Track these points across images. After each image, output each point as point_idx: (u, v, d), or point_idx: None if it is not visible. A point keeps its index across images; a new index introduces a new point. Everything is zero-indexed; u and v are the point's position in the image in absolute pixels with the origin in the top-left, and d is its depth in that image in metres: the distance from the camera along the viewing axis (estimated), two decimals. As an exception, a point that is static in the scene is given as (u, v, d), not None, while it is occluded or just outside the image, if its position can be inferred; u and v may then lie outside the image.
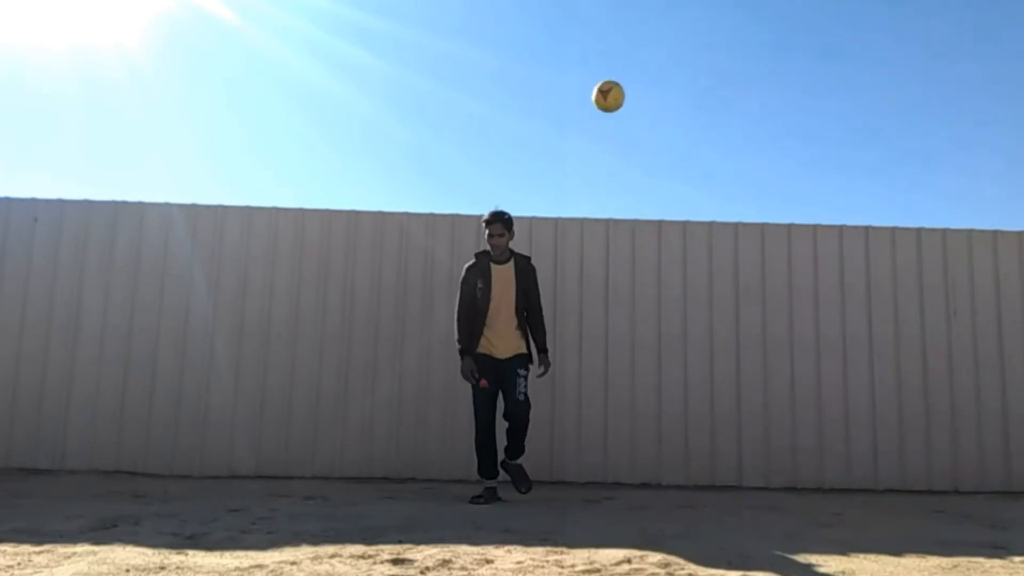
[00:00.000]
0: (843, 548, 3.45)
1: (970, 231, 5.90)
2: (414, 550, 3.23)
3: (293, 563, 2.96)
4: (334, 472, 5.59)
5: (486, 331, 4.71)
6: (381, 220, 5.90)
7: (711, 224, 5.93)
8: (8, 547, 3.16)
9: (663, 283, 5.83)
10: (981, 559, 3.31)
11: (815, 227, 5.92)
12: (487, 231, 4.79)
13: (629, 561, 3.09)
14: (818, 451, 5.65)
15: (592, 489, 5.31)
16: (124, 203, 5.87)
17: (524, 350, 4.77)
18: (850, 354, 5.75)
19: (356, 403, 5.67)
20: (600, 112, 4.86)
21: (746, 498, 5.09)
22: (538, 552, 3.24)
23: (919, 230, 5.91)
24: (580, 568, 2.98)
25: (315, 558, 3.06)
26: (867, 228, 5.91)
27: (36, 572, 2.81)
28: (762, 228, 5.91)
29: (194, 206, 5.87)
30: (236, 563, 2.94)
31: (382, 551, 3.18)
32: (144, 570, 2.83)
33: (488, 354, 4.71)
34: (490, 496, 4.67)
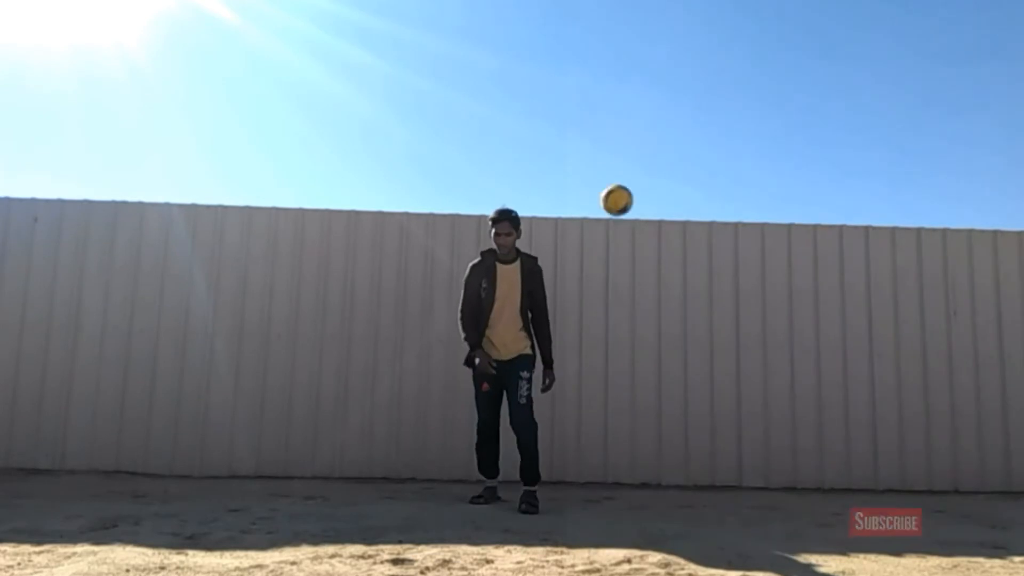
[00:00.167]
0: (843, 548, 3.45)
1: (970, 231, 5.90)
2: (414, 550, 3.23)
3: (293, 563, 2.96)
4: (334, 472, 5.59)
5: (488, 332, 4.61)
6: (381, 220, 5.90)
7: (711, 224, 5.92)
8: (8, 547, 3.16)
9: (663, 283, 5.82)
10: (981, 559, 3.31)
11: (815, 227, 5.92)
12: (494, 230, 4.64)
13: (629, 561, 3.09)
14: (818, 451, 5.65)
15: (592, 489, 5.31)
16: (124, 203, 5.86)
17: (528, 351, 4.63)
18: (850, 354, 5.75)
19: (356, 403, 5.67)
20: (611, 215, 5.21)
21: (746, 498, 5.09)
22: (538, 552, 3.25)
23: (919, 230, 5.91)
24: (580, 568, 2.98)
25: (315, 558, 3.06)
26: (867, 228, 5.91)
27: (36, 572, 2.81)
28: (762, 228, 5.91)
29: (194, 206, 5.87)
30: (236, 563, 2.94)
31: (382, 551, 3.19)
32: (144, 570, 2.84)
33: (489, 355, 4.66)
34: (490, 496, 4.67)
